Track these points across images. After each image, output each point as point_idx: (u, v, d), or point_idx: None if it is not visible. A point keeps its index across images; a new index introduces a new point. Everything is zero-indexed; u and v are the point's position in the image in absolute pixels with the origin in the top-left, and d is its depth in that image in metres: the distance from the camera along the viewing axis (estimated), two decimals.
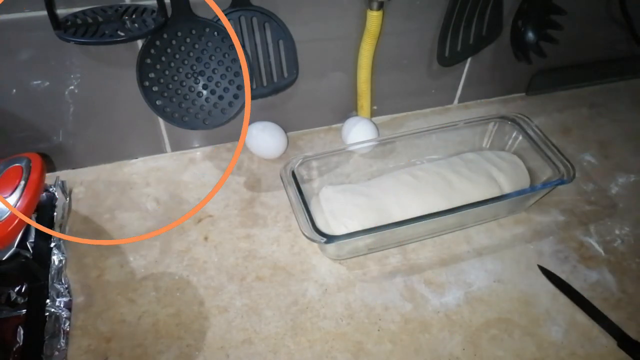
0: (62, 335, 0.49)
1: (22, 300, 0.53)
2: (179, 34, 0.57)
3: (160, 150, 0.69)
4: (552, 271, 0.56)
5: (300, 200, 0.53)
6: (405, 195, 0.58)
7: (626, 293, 0.55)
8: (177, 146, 0.70)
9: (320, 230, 0.51)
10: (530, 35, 0.70)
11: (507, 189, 0.60)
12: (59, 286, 0.52)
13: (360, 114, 0.72)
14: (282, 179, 0.56)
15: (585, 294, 0.54)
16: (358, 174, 0.64)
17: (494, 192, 0.59)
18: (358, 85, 0.69)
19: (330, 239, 0.50)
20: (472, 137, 0.68)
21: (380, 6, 0.60)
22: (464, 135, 0.67)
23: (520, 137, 0.65)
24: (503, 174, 0.61)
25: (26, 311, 0.50)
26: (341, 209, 0.56)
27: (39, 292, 0.51)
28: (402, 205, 0.57)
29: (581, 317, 0.52)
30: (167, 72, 0.59)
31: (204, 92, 0.61)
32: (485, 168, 0.61)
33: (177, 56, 0.58)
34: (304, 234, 0.50)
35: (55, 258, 0.54)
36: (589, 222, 0.62)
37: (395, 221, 0.52)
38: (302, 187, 0.55)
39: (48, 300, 0.50)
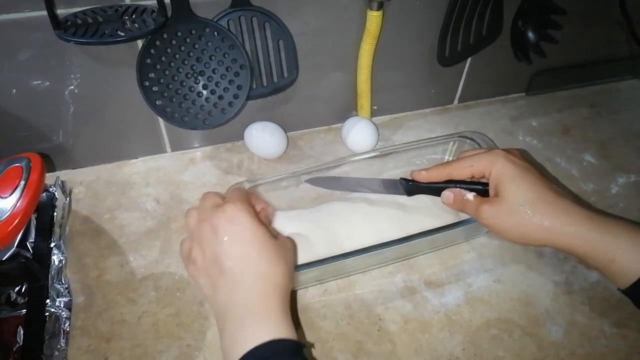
0: (62, 335, 0.49)
1: (22, 300, 0.53)
2: (179, 34, 0.57)
3: (160, 150, 0.69)
4: (552, 270, 0.56)
5: None
6: (357, 222, 0.54)
7: None
8: (177, 146, 0.70)
9: None
10: (530, 35, 0.70)
11: (464, 214, 0.54)
12: (59, 286, 0.52)
13: (360, 114, 0.72)
14: None
15: (585, 294, 0.54)
16: (308, 199, 0.59)
17: (450, 218, 0.55)
18: (358, 85, 0.69)
19: None
20: (432, 157, 0.63)
21: (380, 6, 0.60)
22: (424, 154, 0.63)
23: None
24: None
25: (26, 311, 0.50)
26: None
27: (39, 292, 0.51)
28: (353, 233, 0.53)
29: (581, 317, 0.52)
30: (167, 72, 0.59)
31: (204, 92, 0.61)
32: None
33: (177, 56, 0.58)
34: None
35: (55, 258, 0.54)
36: None
37: (343, 253, 0.48)
38: None
39: (48, 300, 0.50)
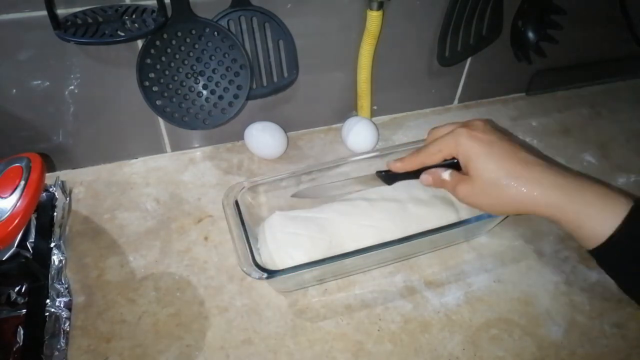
0: (62, 335, 0.49)
1: (22, 300, 0.53)
2: (179, 34, 0.57)
3: (160, 150, 0.69)
4: (552, 270, 0.56)
5: (242, 231, 0.50)
6: (357, 222, 0.55)
7: None
8: (177, 146, 0.70)
9: (259, 264, 0.47)
10: (530, 35, 0.70)
11: (465, 214, 0.56)
12: (59, 286, 0.52)
13: (360, 114, 0.72)
14: (223, 207, 0.52)
15: (585, 294, 0.54)
16: (308, 199, 0.57)
17: (451, 218, 0.55)
18: (358, 85, 0.69)
19: (269, 273, 0.46)
20: None
21: (380, 6, 0.60)
22: None
23: None
24: None
25: (26, 311, 0.50)
26: (286, 238, 0.52)
27: (39, 292, 0.51)
28: (353, 232, 0.53)
29: (581, 317, 0.52)
30: (167, 72, 0.59)
31: (204, 92, 0.61)
32: (443, 190, 0.56)
33: (177, 56, 0.58)
34: (242, 270, 0.47)
35: (55, 258, 0.54)
36: None
37: (344, 252, 0.48)
38: (250, 212, 0.53)
39: (48, 300, 0.50)
